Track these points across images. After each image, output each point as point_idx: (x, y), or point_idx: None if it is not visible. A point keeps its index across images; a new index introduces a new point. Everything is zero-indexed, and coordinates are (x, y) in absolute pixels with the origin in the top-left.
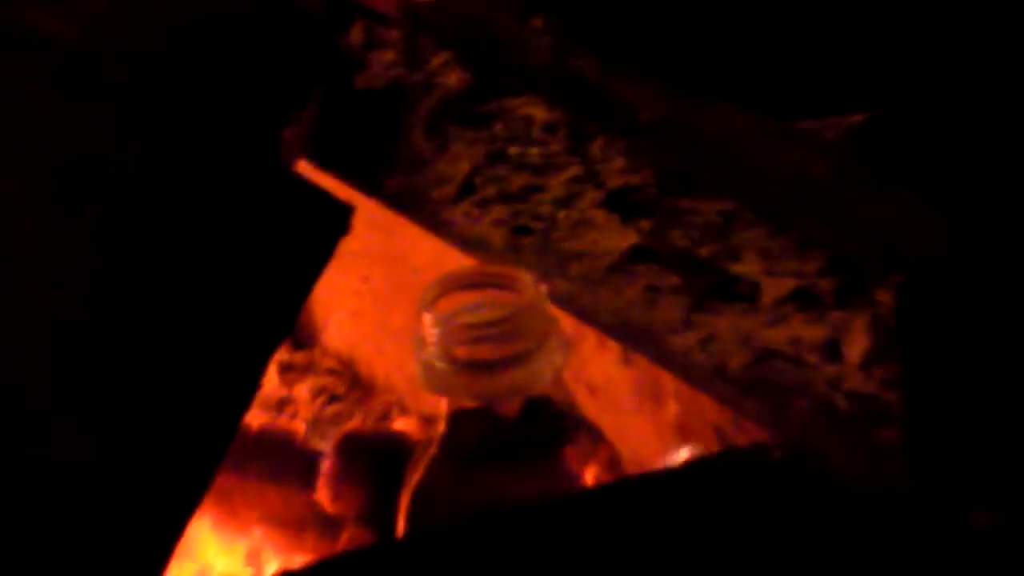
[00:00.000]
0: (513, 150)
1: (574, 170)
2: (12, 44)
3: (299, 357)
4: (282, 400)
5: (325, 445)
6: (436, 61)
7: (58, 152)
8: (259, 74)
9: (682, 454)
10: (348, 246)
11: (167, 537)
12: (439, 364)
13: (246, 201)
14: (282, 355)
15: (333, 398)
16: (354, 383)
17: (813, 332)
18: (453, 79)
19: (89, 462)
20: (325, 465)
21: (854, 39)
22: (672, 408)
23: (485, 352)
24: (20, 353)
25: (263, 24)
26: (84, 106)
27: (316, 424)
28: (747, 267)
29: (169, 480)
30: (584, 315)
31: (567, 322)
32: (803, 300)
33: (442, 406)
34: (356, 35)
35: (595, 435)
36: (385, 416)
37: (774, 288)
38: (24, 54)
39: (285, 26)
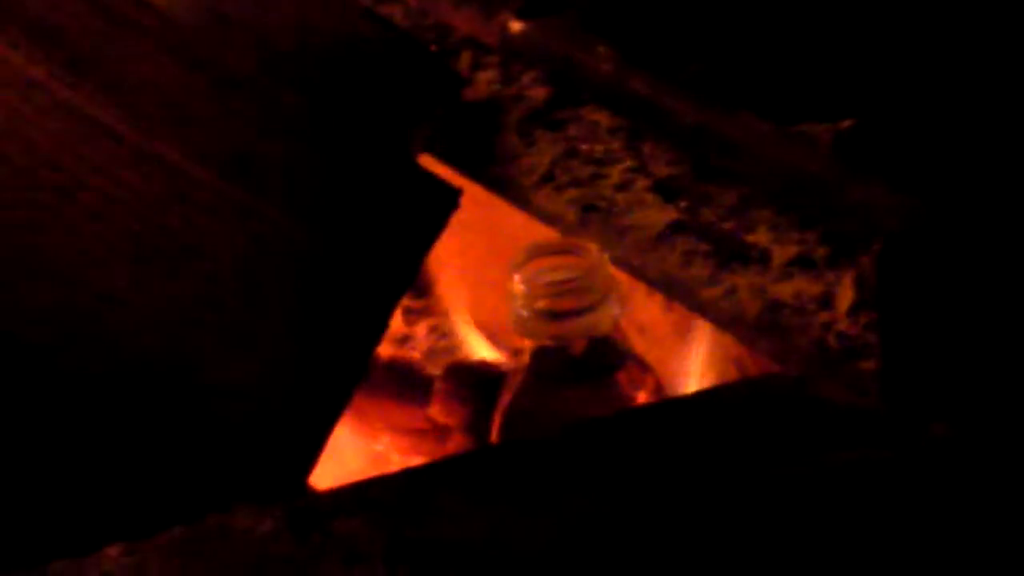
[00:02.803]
0: (583, 147)
1: (629, 163)
2: (199, 65)
3: (418, 303)
4: (405, 336)
5: (437, 371)
6: (526, 79)
7: (237, 149)
8: (394, 91)
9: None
10: (457, 218)
11: (319, 440)
12: (525, 312)
13: (384, 186)
14: (405, 301)
15: (443, 335)
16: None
17: (811, 287)
18: (538, 93)
19: (271, 384)
20: (437, 387)
21: (843, 62)
22: (703, 345)
23: (560, 304)
24: (214, 315)
25: (399, 54)
26: (267, 120)
27: (431, 355)
28: (760, 237)
29: (322, 397)
30: (636, 274)
31: (623, 279)
32: (803, 263)
33: (527, 344)
34: (464, 60)
35: (643, 366)
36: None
37: (781, 253)
38: (214, 76)
39: (412, 55)
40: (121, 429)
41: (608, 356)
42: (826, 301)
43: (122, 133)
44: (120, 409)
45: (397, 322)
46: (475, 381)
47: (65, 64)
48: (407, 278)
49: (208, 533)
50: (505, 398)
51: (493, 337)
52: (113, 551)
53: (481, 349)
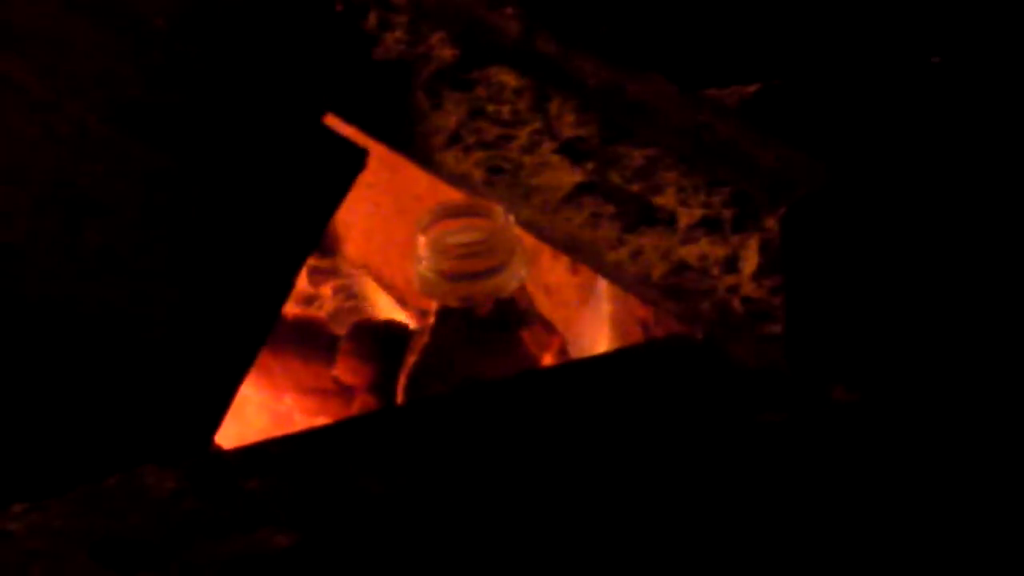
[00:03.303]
0: (490, 108)
1: (536, 124)
2: (106, 21)
3: (324, 263)
4: (311, 296)
5: (343, 331)
6: (434, 39)
7: (148, 109)
8: (301, 50)
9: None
10: (364, 179)
11: (223, 399)
12: (431, 274)
13: (290, 146)
14: (311, 261)
15: (350, 295)
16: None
17: (717, 250)
18: (446, 53)
19: (176, 342)
20: (343, 347)
21: (751, 26)
22: (608, 307)
23: (466, 265)
24: (117, 271)
25: (306, 13)
26: (172, 77)
27: (336, 315)
28: (666, 199)
29: (228, 356)
30: (542, 235)
31: (529, 241)
32: (709, 225)
33: (433, 305)
34: (372, 19)
35: (549, 327)
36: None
37: (687, 216)
38: (121, 33)
39: (319, 14)
40: (21, 386)
41: (513, 317)
42: (731, 264)
43: (26, 86)
44: (19, 365)
45: (303, 282)
46: (381, 341)
47: None
48: (313, 238)
49: (113, 491)
50: (410, 359)
51: (399, 298)
52: (18, 508)
53: (387, 310)
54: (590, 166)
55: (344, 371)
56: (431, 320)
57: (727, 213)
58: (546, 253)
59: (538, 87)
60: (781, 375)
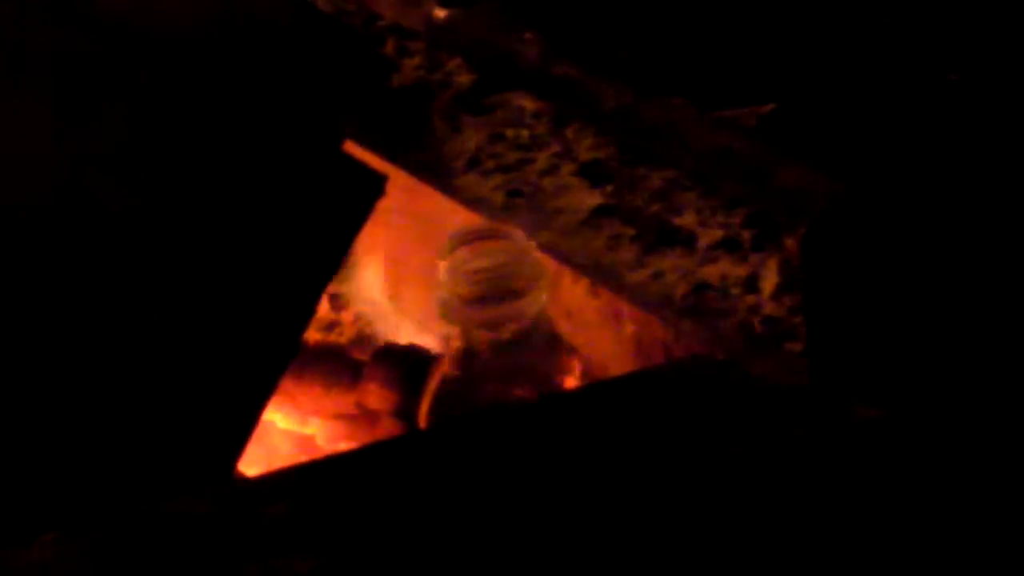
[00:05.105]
0: (509, 132)
1: (555, 147)
2: (121, 48)
3: (344, 289)
4: (332, 323)
5: (364, 357)
6: (451, 65)
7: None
8: (318, 77)
9: None
10: (383, 204)
11: (246, 425)
12: (453, 300)
13: (310, 173)
14: (332, 288)
15: (370, 322)
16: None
17: (736, 270)
18: (464, 79)
19: (199, 369)
20: (367, 372)
21: (764, 51)
22: (629, 328)
23: (487, 290)
24: (141, 299)
25: (323, 39)
26: (190, 108)
27: (358, 341)
28: (686, 220)
29: (251, 382)
30: (562, 258)
31: (549, 264)
32: (729, 246)
33: (455, 330)
34: (390, 46)
35: (570, 350)
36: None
37: (707, 236)
38: (139, 62)
39: (340, 41)
40: (49, 415)
41: (535, 341)
42: (751, 284)
43: (40, 115)
44: (46, 395)
45: (324, 309)
46: (404, 367)
47: None
48: (334, 265)
49: (142, 519)
50: (433, 383)
51: (420, 323)
52: (49, 537)
53: (408, 335)
54: (609, 188)
55: (368, 396)
56: (453, 345)
57: (746, 233)
58: (566, 276)
59: (557, 111)
60: (803, 392)
